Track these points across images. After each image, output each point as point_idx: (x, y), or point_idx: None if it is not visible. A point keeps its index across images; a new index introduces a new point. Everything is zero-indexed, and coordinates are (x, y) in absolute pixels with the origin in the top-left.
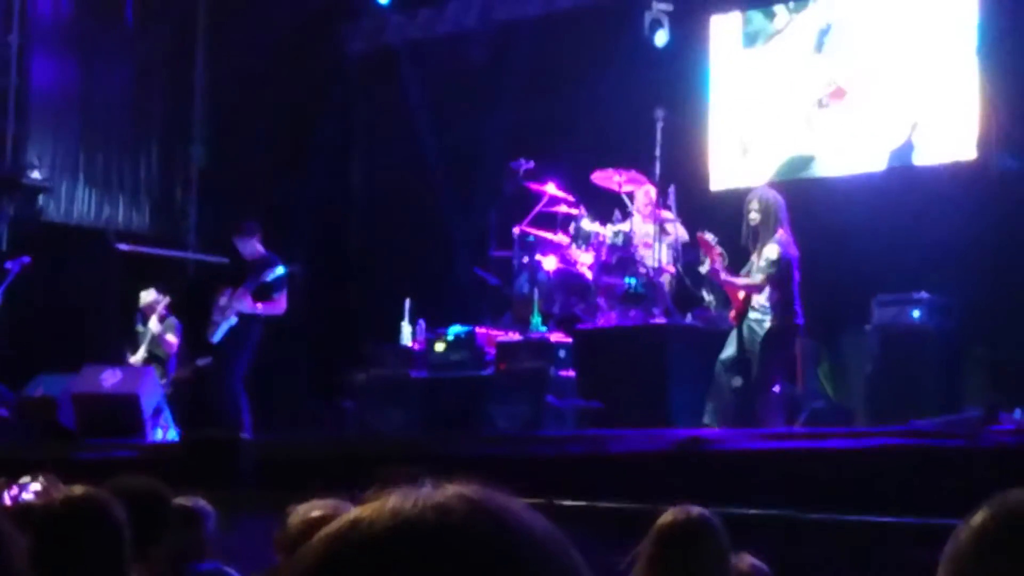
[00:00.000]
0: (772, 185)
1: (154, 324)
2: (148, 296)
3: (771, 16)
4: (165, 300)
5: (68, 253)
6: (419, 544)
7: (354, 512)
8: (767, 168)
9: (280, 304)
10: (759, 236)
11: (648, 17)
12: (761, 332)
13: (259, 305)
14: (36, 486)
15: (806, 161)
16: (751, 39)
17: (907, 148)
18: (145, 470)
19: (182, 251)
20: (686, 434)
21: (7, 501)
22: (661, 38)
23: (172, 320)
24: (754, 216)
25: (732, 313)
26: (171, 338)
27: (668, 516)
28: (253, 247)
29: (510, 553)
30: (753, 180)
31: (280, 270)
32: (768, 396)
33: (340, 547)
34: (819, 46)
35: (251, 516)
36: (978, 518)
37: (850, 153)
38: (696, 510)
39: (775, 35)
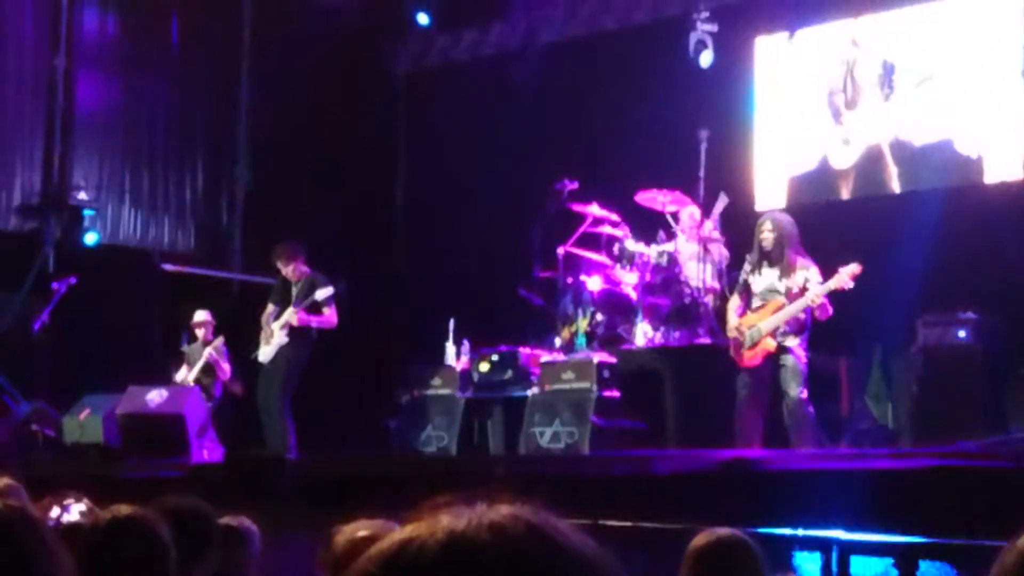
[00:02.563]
0: (815, 204)
1: (208, 353)
2: (201, 316)
3: (818, 36)
4: (212, 323)
5: (114, 274)
6: (475, 563)
7: (405, 531)
8: (812, 187)
9: (332, 318)
10: (772, 259)
11: (693, 38)
12: (792, 355)
13: (312, 319)
14: (80, 506)
15: (852, 179)
16: (797, 58)
17: (954, 168)
18: (190, 489)
19: (227, 271)
20: (731, 454)
21: (52, 520)
22: (706, 59)
23: (221, 345)
24: (768, 237)
25: (762, 354)
26: (225, 365)
27: (700, 539)
28: (299, 268)
29: (566, 572)
30: (797, 199)
31: (329, 289)
32: (809, 415)
33: (394, 566)
34: (867, 62)
35: (296, 535)
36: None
37: (896, 173)
38: (727, 531)
39: (821, 55)
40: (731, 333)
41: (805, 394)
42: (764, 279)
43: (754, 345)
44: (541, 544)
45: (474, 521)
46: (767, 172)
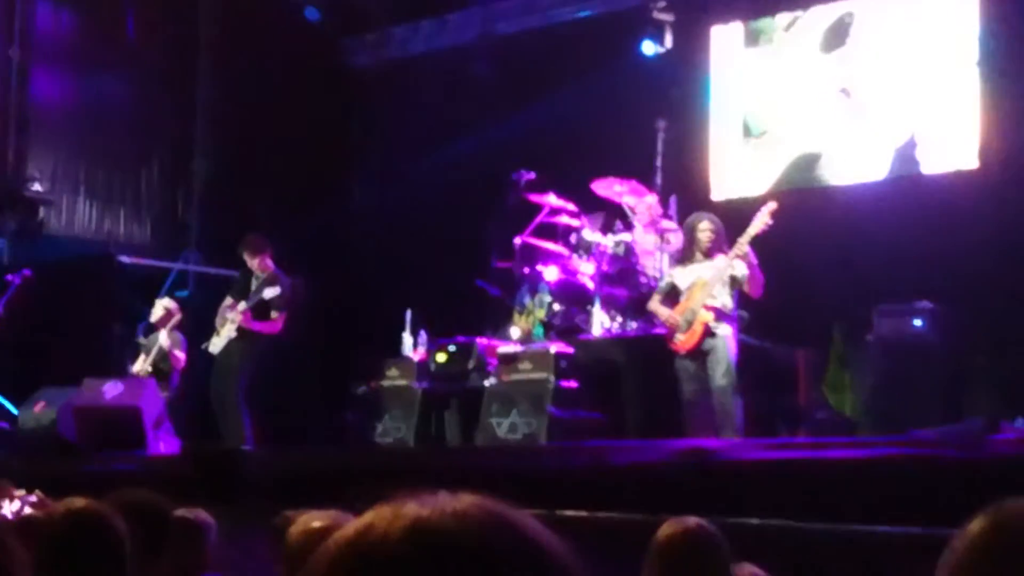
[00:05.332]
0: (773, 193)
1: (164, 338)
2: (167, 304)
3: (773, 25)
4: (179, 316)
5: (70, 266)
6: (439, 550)
7: (367, 518)
8: (768, 177)
9: (276, 324)
10: (707, 255)
11: (641, 26)
12: (722, 340)
13: (254, 324)
14: (32, 499)
15: (808, 167)
16: (754, 39)
17: (910, 157)
18: (147, 483)
19: (183, 264)
20: (688, 444)
21: (7, 515)
22: (649, 48)
23: (179, 335)
24: (709, 236)
25: (700, 330)
26: (179, 353)
27: (666, 529)
28: (264, 263)
29: (530, 561)
30: (754, 189)
31: (277, 289)
32: (733, 404)
33: (358, 552)
34: (824, 50)
35: (252, 528)
36: (974, 527)
37: (852, 162)
38: (693, 520)
39: (778, 37)
40: (667, 322)
41: (727, 381)
42: (690, 274)
43: (690, 325)
44: (504, 532)
45: (437, 509)
46: (723, 161)
